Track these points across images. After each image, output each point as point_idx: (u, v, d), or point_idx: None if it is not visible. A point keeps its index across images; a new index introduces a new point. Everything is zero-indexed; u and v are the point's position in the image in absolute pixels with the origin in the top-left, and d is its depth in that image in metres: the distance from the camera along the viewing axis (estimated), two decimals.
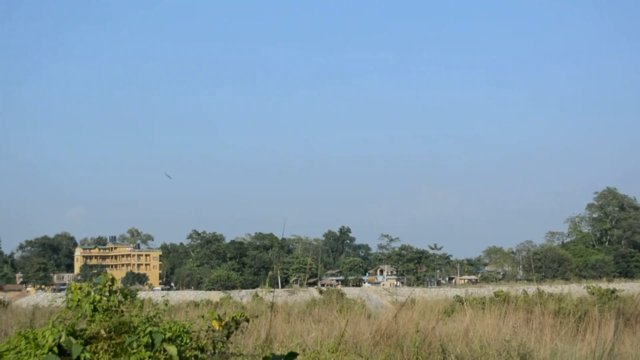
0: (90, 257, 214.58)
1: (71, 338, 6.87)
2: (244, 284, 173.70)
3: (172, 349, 7.29)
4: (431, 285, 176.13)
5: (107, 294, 9.39)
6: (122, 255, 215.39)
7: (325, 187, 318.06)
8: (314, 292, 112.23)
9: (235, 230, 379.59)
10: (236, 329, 9.14)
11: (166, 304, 13.39)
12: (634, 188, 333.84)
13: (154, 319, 8.51)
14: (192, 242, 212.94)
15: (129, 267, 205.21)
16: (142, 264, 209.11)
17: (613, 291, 38.85)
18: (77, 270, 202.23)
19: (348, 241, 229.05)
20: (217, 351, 8.60)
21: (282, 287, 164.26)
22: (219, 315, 9.05)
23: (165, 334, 7.55)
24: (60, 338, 6.82)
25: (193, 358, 8.01)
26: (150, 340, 7.32)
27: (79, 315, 8.99)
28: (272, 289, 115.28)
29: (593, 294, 40.98)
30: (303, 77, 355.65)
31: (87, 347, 7.44)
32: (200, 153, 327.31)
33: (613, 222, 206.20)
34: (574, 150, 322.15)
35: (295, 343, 17.24)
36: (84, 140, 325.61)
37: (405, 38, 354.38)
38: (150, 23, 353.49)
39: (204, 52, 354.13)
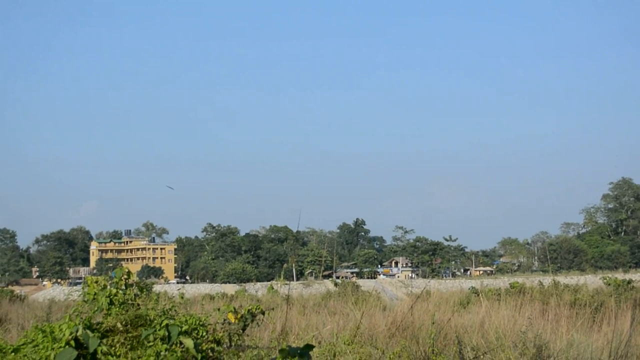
0: (106, 251, 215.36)
1: (88, 331, 6.89)
2: (259, 277, 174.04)
3: (189, 342, 7.31)
4: (446, 277, 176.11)
5: (123, 287, 9.41)
6: (138, 249, 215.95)
7: (340, 180, 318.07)
8: (329, 284, 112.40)
9: (250, 223, 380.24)
10: (252, 321, 9.15)
11: (182, 297, 13.40)
12: None
13: (170, 312, 8.52)
14: (207, 236, 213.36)
15: (144, 260, 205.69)
16: (157, 258, 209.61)
17: (629, 282, 38.79)
18: (92, 264, 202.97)
19: (363, 233, 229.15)
20: (233, 344, 8.61)
21: (297, 279, 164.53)
22: (234, 308, 9.06)
23: (181, 327, 7.57)
24: (77, 331, 6.84)
25: (209, 351, 8.02)
26: (167, 333, 7.34)
27: (96, 308, 9.01)
28: (287, 282, 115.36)
29: (609, 284, 40.92)
30: (317, 73, 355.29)
31: (104, 341, 7.47)
32: (215, 147, 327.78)
33: (629, 213, 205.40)
34: (589, 141, 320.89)
35: (310, 335, 17.25)
36: (99, 135, 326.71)
37: (417, 34, 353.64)
38: (157, 19, 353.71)
39: (219, 48, 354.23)
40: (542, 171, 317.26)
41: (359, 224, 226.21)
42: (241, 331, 8.92)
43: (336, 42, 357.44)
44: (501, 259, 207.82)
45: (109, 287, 9.39)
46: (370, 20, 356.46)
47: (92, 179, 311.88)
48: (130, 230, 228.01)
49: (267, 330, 17.22)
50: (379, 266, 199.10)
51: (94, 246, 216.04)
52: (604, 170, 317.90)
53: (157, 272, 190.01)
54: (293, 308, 27.58)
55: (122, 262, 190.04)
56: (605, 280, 44.14)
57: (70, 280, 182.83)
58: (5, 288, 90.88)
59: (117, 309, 8.92)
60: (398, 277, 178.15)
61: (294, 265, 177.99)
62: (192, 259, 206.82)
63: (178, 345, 7.40)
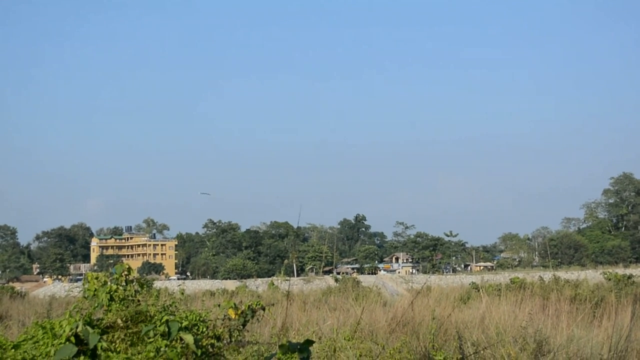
0: (107, 248, 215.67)
1: (88, 327, 6.90)
2: (259, 273, 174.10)
3: (189, 338, 7.32)
4: (447, 272, 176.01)
5: (123, 283, 9.42)
6: (138, 245, 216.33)
7: (340, 175, 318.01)
8: (329, 280, 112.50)
9: (251, 219, 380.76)
10: (252, 317, 9.15)
11: (182, 293, 13.46)
12: None
13: (170, 308, 8.54)
14: (208, 232, 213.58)
15: (145, 257, 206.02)
16: (158, 254, 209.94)
17: (630, 277, 38.85)
18: (93, 260, 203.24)
19: (363, 229, 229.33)
20: (233, 340, 8.61)
21: (298, 275, 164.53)
22: (235, 304, 9.06)
23: (181, 323, 7.57)
24: (77, 328, 6.85)
25: (209, 346, 8.03)
26: (167, 329, 7.35)
27: (96, 305, 9.04)
28: (288, 278, 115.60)
29: (609, 279, 40.93)
30: (313, 67, 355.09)
31: (104, 337, 7.48)
32: (214, 142, 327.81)
33: (629, 208, 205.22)
34: (589, 135, 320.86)
35: (311, 331, 17.27)
36: (99, 130, 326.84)
37: (415, 24, 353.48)
38: (162, 8, 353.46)
39: (214, 38, 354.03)
40: (544, 165, 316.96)
41: (360, 219, 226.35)
42: (241, 327, 8.92)
43: (326, 36, 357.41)
44: (502, 255, 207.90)
45: (109, 283, 9.40)
46: (374, 12, 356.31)
47: (93, 175, 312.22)
48: (131, 227, 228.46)
49: (268, 326, 17.24)
50: (380, 262, 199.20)
51: (94, 242, 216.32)
52: (605, 165, 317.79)
53: (157, 269, 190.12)
54: (293, 304, 27.60)
55: (123, 259, 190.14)
56: (605, 276, 44.14)
57: (70, 277, 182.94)
58: (6, 285, 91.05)
59: (118, 305, 8.94)
60: (399, 272, 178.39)
61: (294, 261, 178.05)
62: (192, 255, 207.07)
63: (178, 341, 7.40)
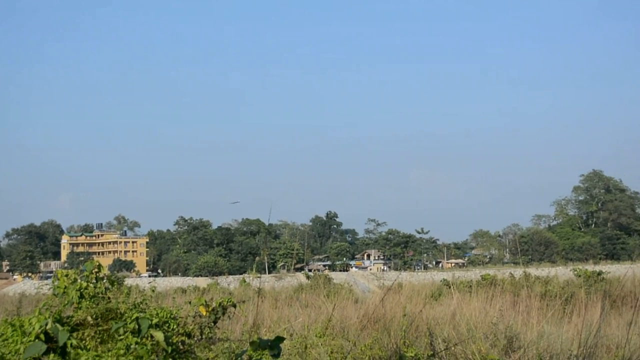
0: (77, 245, 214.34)
1: (58, 325, 6.86)
2: (231, 270, 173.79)
3: (159, 335, 7.29)
4: (418, 269, 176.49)
5: (93, 280, 9.34)
6: (109, 242, 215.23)
7: (312, 172, 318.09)
8: (301, 277, 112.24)
9: (222, 216, 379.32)
10: (223, 314, 9.13)
11: (153, 291, 13.35)
12: (619, 170, 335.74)
13: (141, 306, 8.48)
14: (179, 229, 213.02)
15: (115, 254, 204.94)
16: (129, 251, 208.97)
17: (599, 273, 39.01)
18: (64, 257, 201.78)
19: (335, 226, 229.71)
20: (204, 337, 8.59)
21: (269, 272, 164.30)
22: (206, 301, 9.04)
23: (152, 320, 7.54)
24: (46, 325, 6.81)
25: (180, 344, 8.00)
26: (137, 327, 7.31)
27: (66, 302, 8.95)
28: (259, 275, 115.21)
29: (579, 276, 41.14)
30: (288, 61, 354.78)
31: (74, 334, 7.42)
32: (186, 138, 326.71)
33: (599, 205, 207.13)
34: (560, 132, 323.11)
35: (282, 328, 17.27)
36: (69, 126, 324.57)
37: (396, 25, 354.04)
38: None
39: (182, 31, 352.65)
40: (514, 162, 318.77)
41: (331, 216, 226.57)
42: (212, 324, 8.90)
43: (307, 31, 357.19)
44: (473, 251, 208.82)
45: (79, 280, 9.31)
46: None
47: (64, 172, 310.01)
48: (101, 224, 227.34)
49: (239, 323, 17.22)
50: (351, 259, 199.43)
51: (65, 240, 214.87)
52: (576, 162, 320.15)
53: (128, 266, 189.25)
54: (265, 301, 27.63)
55: (94, 256, 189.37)
56: (575, 272, 44.32)
57: (41, 274, 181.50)
58: None
59: (88, 302, 8.87)
60: (370, 269, 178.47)
61: (266, 258, 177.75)
62: (164, 252, 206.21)
63: (149, 338, 7.37)
